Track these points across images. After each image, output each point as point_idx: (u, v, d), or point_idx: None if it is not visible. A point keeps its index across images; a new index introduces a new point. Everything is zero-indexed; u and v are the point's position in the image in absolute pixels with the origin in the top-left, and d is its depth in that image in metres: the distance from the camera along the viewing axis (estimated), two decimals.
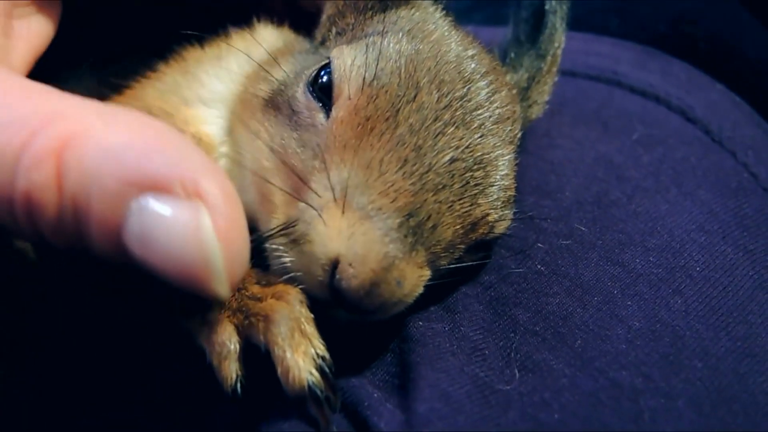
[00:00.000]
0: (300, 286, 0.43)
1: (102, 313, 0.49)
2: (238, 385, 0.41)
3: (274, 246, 0.44)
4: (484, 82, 0.48)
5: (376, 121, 0.44)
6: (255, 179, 0.48)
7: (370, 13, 0.54)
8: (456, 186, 0.44)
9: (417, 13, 0.53)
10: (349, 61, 0.47)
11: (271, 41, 0.56)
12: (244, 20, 0.57)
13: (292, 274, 0.43)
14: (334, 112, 0.46)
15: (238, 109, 0.53)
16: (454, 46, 0.49)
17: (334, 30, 0.54)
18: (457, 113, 0.46)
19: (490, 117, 0.48)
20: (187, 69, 0.55)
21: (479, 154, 0.46)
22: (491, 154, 0.47)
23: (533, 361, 0.45)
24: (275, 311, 0.41)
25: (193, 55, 0.56)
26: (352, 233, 0.41)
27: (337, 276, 0.40)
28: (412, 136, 0.44)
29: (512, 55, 0.62)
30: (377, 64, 0.46)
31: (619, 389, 0.43)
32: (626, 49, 0.77)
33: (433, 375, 0.44)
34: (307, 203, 0.43)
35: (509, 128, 0.49)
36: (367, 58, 0.46)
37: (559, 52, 0.61)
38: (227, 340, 0.42)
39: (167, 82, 0.55)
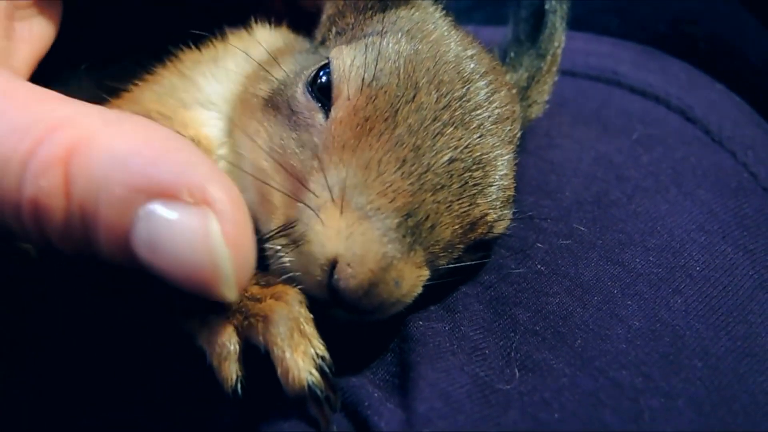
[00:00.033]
0: (299, 287, 0.43)
1: (102, 313, 0.49)
2: (239, 385, 0.41)
3: (273, 247, 0.45)
4: (483, 82, 0.48)
5: (375, 122, 0.44)
6: (254, 180, 0.48)
7: (370, 13, 0.54)
8: (455, 186, 0.44)
9: (416, 13, 0.53)
10: (348, 62, 0.47)
11: (270, 41, 0.56)
12: (242, 21, 0.57)
13: (291, 275, 0.44)
14: (333, 113, 0.46)
15: (237, 109, 0.53)
16: (454, 46, 0.50)
17: (333, 30, 0.55)
18: (456, 113, 0.46)
19: (489, 117, 0.48)
20: (184, 71, 0.55)
21: (478, 154, 0.46)
22: (490, 154, 0.47)
23: (533, 361, 0.45)
24: (274, 312, 0.41)
25: (190, 57, 0.56)
26: (351, 233, 0.41)
27: (336, 276, 0.41)
28: (411, 137, 0.44)
29: (512, 54, 0.62)
30: (376, 64, 0.46)
31: (619, 389, 0.43)
32: (626, 49, 0.77)
33: (434, 374, 0.44)
34: (305, 204, 0.43)
35: (508, 128, 0.49)
36: (366, 58, 0.47)
37: (559, 51, 0.61)
38: (227, 340, 0.42)
39: (164, 85, 0.55)
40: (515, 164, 0.50)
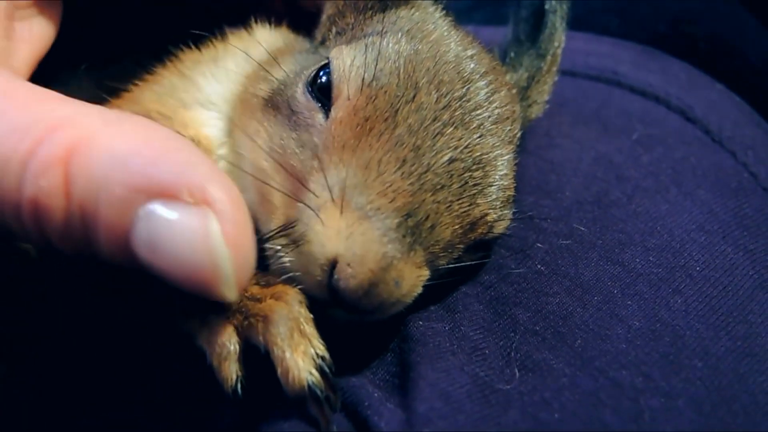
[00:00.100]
0: (299, 287, 0.43)
1: (102, 313, 0.49)
2: (239, 385, 0.41)
3: (273, 247, 0.45)
4: (483, 82, 0.48)
5: (375, 122, 0.44)
6: (254, 180, 0.48)
7: (370, 12, 0.54)
8: (455, 186, 0.44)
9: (416, 13, 0.53)
10: (348, 62, 0.47)
11: (270, 41, 0.56)
12: (242, 21, 0.57)
13: (291, 275, 0.44)
14: (333, 113, 0.46)
15: (237, 109, 0.53)
16: (454, 46, 0.50)
17: (333, 30, 0.55)
18: (456, 113, 0.46)
19: (489, 117, 0.48)
20: (184, 71, 0.55)
21: (478, 154, 0.46)
22: (490, 154, 0.47)
23: (533, 361, 0.45)
24: (274, 312, 0.41)
25: (190, 57, 0.56)
26: (351, 233, 0.41)
27: (336, 276, 0.41)
28: (411, 137, 0.44)
29: (512, 54, 0.62)
30: (376, 64, 0.46)
31: (619, 389, 0.43)
32: (626, 49, 0.77)
33: (434, 374, 0.44)
34: (305, 204, 0.43)
35: (508, 128, 0.49)
36: (366, 58, 0.47)
37: (559, 51, 0.61)
38: (227, 341, 0.42)
39: (164, 85, 0.55)
40: (515, 164, 0.50)
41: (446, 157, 0.44)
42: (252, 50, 0.54)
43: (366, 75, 0.46)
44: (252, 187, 0.49)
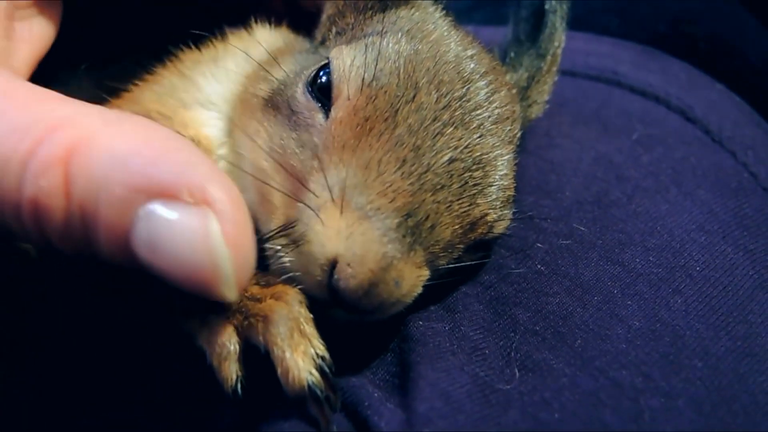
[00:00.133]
0: (299, 287, 0.43)
1: (102, 313, 0.49)
2: (239, 385, 0.41)
3: (273, 247, 0.45)
4: (483, 82, 0.48)
5: (375, 122, 0.44)
6: (254, 180, 0.48)
7: (370, 12, 0.54)
8: (455, 186, 0.44)
9: (416, 13, 0.53)
10: (348, 62, 0.47)
11: (270, 41, 0.56)
12: (242, 21, 0.57)
13: (291, 275, 0.44)
14: (333, 113, 0.46)
15: (237, 109, 0.53)
16: (454, 46, 0.50)
17: (333, 30, 0.55)
18: (456, 113, 0.46)
19: (489, 117, 0.48)
20: (184, 71, 0.55)
21: (478, 154, 0.46)
22: (490, 154, 0.47)
23: (533, 361, 0.45)
24: (274, 312, 0.41)
25: (190, 57, 0.56)
26: (351, 233, 0.41)
27: (336, 276, 0.41)
28: (411, 137, 0.44)
29: (512, 54, 0.62)
30: (376, 64, 0.46)
31: (619, 389, 0.43)
32: (626, 49, 0.77)
33: (434, 374, 0.44)
34: (305, 204, 0.43)
35: (508, 128, 0.49)
36: (366, 58, 0.47)
37: (559, 51, 0.61)
38: (227, 341, 0.42)
39: (164, 85, 0.55)
40: (515, 164, 0.50)
41: (446, 157, 0.44)
42: (252, 50, 0.54)
43: (366, 75, 0.46)
44: (252, 187, 0.49)
